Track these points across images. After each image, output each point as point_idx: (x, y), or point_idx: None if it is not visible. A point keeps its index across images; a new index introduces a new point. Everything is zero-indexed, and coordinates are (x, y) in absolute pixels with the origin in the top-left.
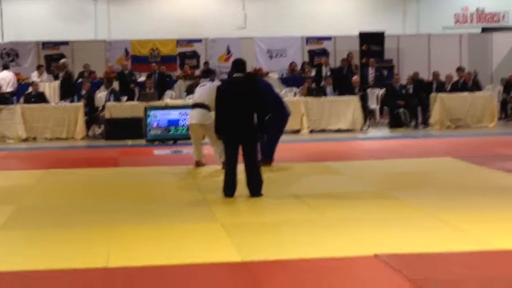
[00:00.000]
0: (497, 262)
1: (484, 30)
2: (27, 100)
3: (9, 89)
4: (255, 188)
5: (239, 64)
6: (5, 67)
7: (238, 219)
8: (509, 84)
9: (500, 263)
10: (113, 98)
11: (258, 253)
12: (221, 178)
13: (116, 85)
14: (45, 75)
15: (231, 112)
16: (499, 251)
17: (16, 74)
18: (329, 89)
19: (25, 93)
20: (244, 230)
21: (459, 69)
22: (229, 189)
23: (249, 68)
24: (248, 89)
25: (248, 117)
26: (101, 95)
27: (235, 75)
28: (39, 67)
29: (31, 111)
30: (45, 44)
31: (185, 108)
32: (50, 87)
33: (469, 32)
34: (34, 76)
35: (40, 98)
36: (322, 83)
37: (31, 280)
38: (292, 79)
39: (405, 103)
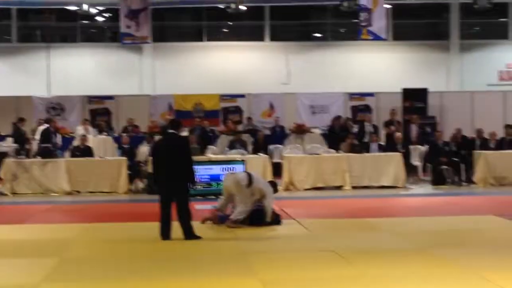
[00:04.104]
0: None
1: None
2: (73, 154)
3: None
4: (187, 232)
5: (175, 123)
6: (47, 121)
7: (277, 275)
8: None
9: None
10: None
11: None
12: (260, 233)
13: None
14: (90, 129)
15: (166, 166)
16: None
17: (62, 128)
18: (373, 145)
19: (70, 146)
20: (283, 286)
21: (508, 126)
22: (165, 233)
23: (291, 124)
24: (181, 144)
25: (180, 170)
26: (144, 149)
27: (170, 131)
28: (84, 121)
29: (75, 165)
30: (91, 99)
31: (227, 163)
32: (94, 141)
33: None
34: (79, 130)
35: (87, 152)
36: (366, 139)
37: None
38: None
39: (448, 160)
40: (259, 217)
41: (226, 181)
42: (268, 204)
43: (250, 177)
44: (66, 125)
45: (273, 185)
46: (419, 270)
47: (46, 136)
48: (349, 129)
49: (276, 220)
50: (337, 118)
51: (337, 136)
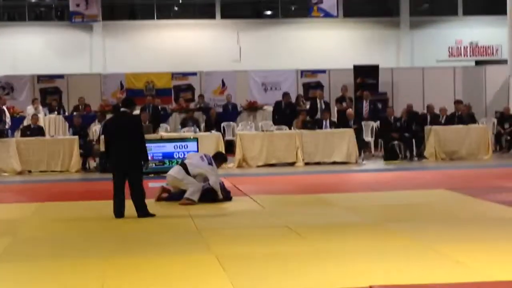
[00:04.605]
0: None
1: (478, 63)
2: (24, 133)
3: None
4: (140, 210)
5: (129, 101)
6: None
7: (232, 250)
8: (503, 117)
9: None
10: None
11: (252, 285)
12: (213, 210)
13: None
14: (40, 108)
15: (119, 144)
16: (495, 282)
17: (11, 108)
18: (325, 122)
19: (21, 126)
20: (239, 261)
21: (457, 102)
22: (119, 211)
23: (243, 101)
24: (133, 123)
25: (133, 148)
26: (95, 128)
27: (122, 109)
28: (34, 101)
29: (26, 144)
30: (40, 78)
31: (180, 141)
32: (45, 120)
33: (463, 65)
34: (30, 110)
35: (38, 131)
36: (318, 116)
37: None
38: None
39: (400, 135)
40: (210, 195)
41: (168, 180)
42: (213, 183)
43: (184, 167)
44: (16, 105)
45: (220, 155)
46: (373, 244)
47: None
48: (300, 106)
49: (227, 196)
50: (285, 94)
51: (282, 112)
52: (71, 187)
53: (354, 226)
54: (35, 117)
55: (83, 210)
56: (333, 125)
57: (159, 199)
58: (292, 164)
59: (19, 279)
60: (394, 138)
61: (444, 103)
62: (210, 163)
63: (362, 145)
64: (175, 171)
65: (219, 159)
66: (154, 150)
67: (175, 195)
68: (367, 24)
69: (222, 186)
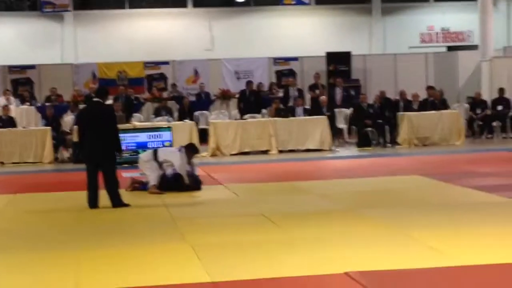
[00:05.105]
0: (466, 278)
1: (450, 49)
2: None
3: None
4: (114, 200)
5: (102, 91)
6: None
7: (207, 239)
8: (475, 102)
9: (469, 279)
10: None
11: (228, 274)
12: (188, 199)
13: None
14: (11, 100)
15: (92, 134)
16: (468, 267)
17: None
18: (299, 110)
19: None
20: (214, 250)
21: (430, 88)
22: (93, 201)
23: (216, 90)
24: (106, 112)
25: (106, 138)
26: (68, 118)
27: (95, 99)
28: (5, 92)
29: None
30: (12, 68)
31: (153, 130)
32: (17, 111)
33: (435, 51)
34: (1, 101)
35: (9, 122)
36: (291, 103)
37: None
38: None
39: (373, 122)
40: (176, 181)
41: (139, 163)
42: (178, 167)
43: (154, 152)
44: None
45: (192, 146)
46: (347, 231)
47: None
48: (273, 94)
49: (195, 185)
50: (249, 82)
51: (247, 100)
52: (44, 178)
53: (328, 213)
54: (6, 108)
55: (57, 201)
56: (306, 112)
57: (132, 189)
58: (266, 152)
59: None
60: (368, 125)
61: (417, 89)
62: (180, 151)
63: (336, 132)
64: (145, 153)
65: (190, 150)
66: (128, 140)
67: (148, 185)
68: (339, 11)
69: (192, 174)
